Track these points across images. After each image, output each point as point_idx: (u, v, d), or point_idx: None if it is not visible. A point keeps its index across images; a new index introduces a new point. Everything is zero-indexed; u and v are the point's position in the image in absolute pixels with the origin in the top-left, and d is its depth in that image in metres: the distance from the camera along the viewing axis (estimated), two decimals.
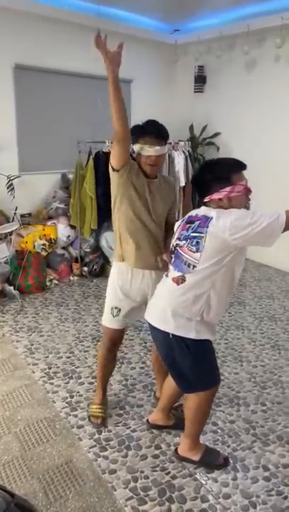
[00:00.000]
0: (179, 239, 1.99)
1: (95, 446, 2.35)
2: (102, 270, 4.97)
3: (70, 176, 5.03)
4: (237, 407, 2.72)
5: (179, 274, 1.94)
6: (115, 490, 2.07)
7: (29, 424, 2.50)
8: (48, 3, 4.51)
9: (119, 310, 2.38)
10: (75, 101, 5.21)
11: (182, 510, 1.97)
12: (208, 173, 1.94)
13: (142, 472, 2.18)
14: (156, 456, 2.28)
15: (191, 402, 2.12)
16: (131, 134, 2.13)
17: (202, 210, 1.95)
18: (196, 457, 2.21)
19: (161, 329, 2.00)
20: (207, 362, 2.06)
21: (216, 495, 2.05)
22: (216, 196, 1.89)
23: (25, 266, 4.39)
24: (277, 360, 3.29)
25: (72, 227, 4.94)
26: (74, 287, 4.70)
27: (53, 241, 4.76)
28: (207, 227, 1.84)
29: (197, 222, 1.91)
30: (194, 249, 1.87)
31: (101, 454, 2.29)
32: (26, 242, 4.56)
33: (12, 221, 4.47)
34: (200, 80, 5.89)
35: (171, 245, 2.06)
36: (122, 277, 2.36)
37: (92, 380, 2.91)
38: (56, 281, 4.75)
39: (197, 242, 1.86)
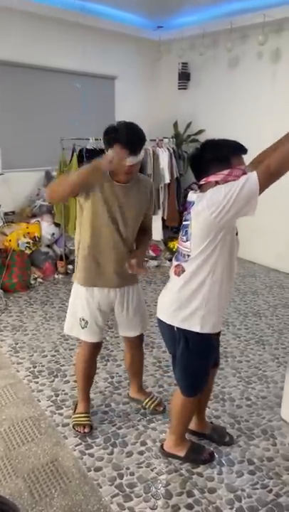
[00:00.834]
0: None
1: (81, 444, 2.34)
2: None
3: (54, 174, 4.99)
4: (222, 402, 2.73)
5: (177, 263, 1.93)
6: (101, 487, 2.06)
7: (14, 424, 2.48)
8: None
9: (87, 322, 2.31)
10: (58, 98, 5.17)
11: (168, 505, 1.97)
12: (208, 153, 1.83)
13: (128, 469, 2.18)
14: (141, 453, 2.29)
15: (178, 399, 2.11)
16: (105, 135, 2.04)
17: (188, 197, 1.90)
18: (182, 453, 2.21)
19: (168, 323, 1.98)
20: (197, 367, 2.02)
21: (202, 489, 2.06)
22: (212, 179, 1.78)
23: (9, 264, 4.35)
24: (261, 356, 3.32)
25: (57, 225, 4.91)
26: (59, 285, 4.66)
27: (37, 239, 4.72)
28: (189, 213, 1.82)
29: (187, 211, 1.88)
30: (185, 238, 1.86)
31: (86, 451, 2.29)
32: (10, 241, 4.51)
33: None
34: (184, 76, 5.91)
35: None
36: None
37: None
38: (41, 280, 4.71)
39: (186, 231, 1.85)
